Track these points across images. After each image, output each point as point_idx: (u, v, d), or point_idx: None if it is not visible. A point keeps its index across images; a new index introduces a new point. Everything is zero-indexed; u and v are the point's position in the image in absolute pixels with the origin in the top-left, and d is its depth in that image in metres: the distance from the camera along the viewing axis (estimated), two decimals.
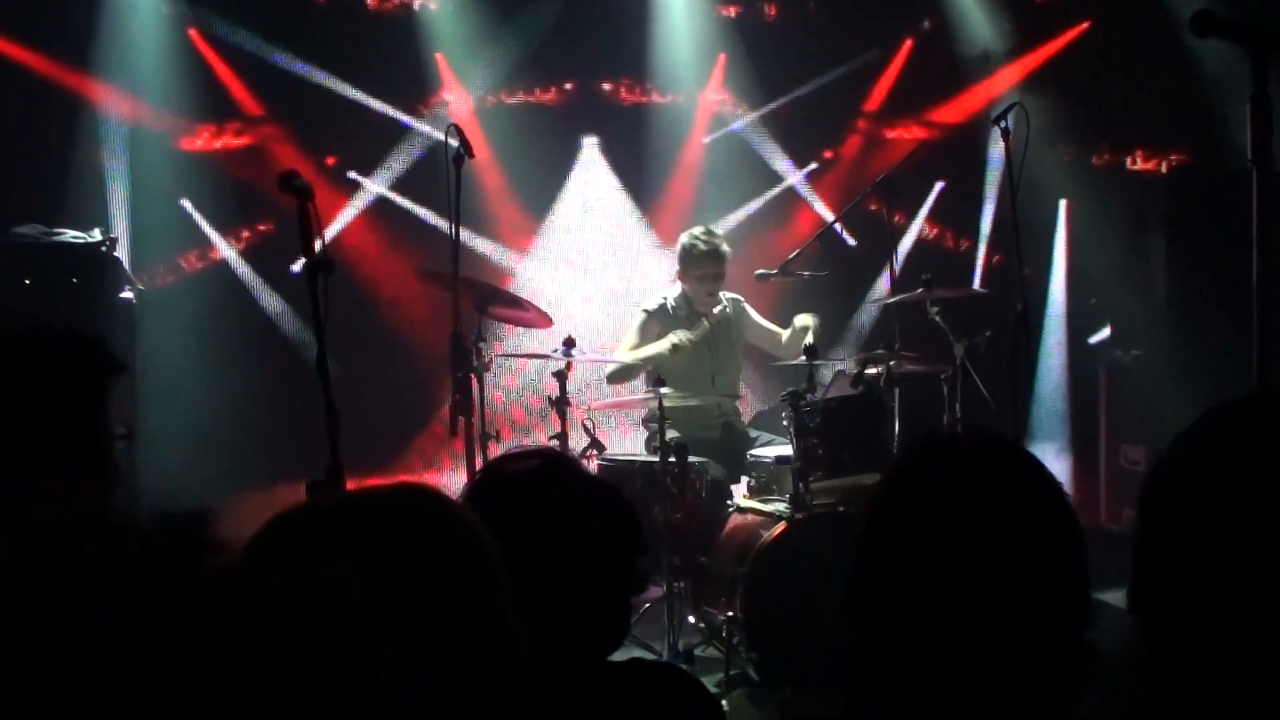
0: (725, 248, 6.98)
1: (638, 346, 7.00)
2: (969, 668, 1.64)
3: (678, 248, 7.07)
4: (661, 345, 6.79)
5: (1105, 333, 9.00)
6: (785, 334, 7.01)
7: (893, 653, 1.69)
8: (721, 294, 7.11)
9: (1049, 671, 1.67)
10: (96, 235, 7.26)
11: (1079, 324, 9.39)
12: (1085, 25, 9.42)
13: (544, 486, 2.27)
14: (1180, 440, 1.51)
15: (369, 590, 1.00)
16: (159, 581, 0.90)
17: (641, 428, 7.26)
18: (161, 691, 0.85)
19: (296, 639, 0.92)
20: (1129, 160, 9.60)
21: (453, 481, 7.76)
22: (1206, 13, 2.98)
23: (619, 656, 2.37)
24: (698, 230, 7.04)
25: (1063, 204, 9.48)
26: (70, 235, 7.20)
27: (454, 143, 5.73)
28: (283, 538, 1.42)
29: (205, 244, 8.59)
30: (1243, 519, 1.41)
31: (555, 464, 2.35)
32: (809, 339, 6.50)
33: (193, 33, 8.42)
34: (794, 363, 6.48)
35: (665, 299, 7.12)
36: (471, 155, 5.85)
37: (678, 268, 7.07)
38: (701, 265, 6.91)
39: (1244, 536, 1.40)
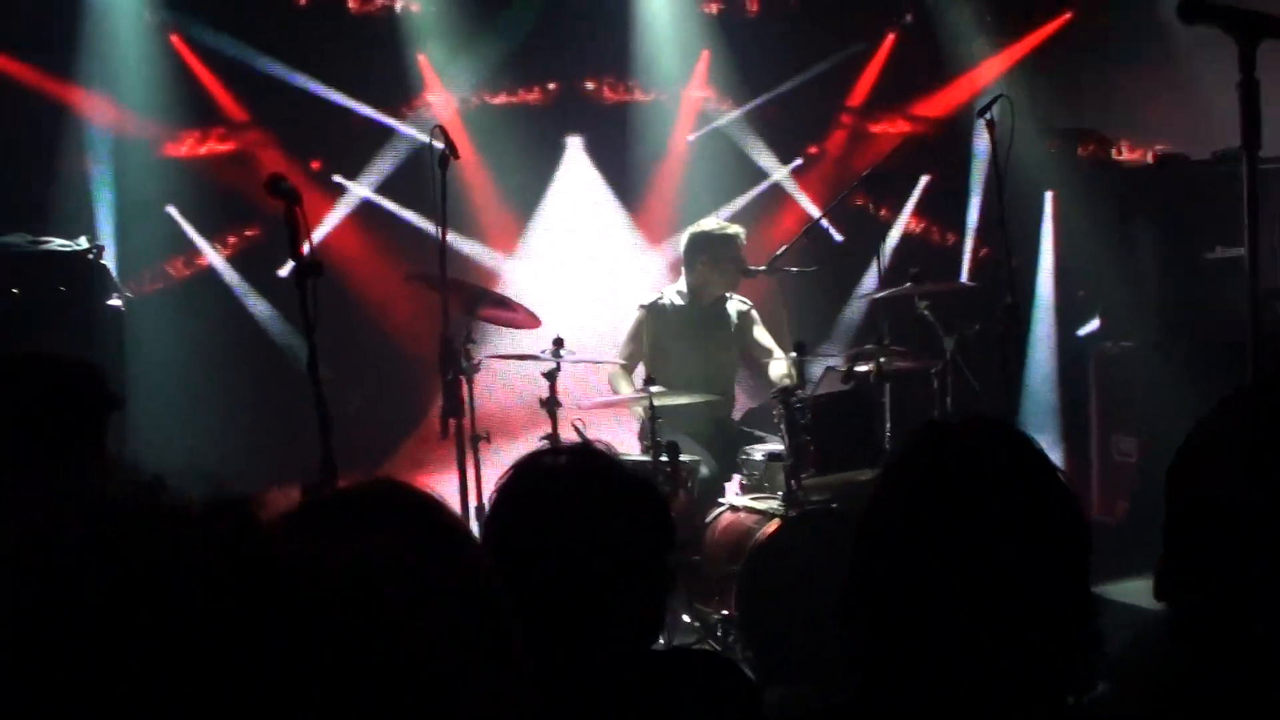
0: (743, 237, 7.02)
1: (631, 348, 7.03)
2: (975, 657, 1.63)
3: (688, 237, 7.07)
4: (632, 397, 6.70)
5: (1094, 324, 9.01)
6: (773, 364, 6.98)
7: (895, 646, 1.68)
8: (734, 295, 7.13)
9: (1058, 661, 1.66)
10: (83, 243, 7.22)
11: (1068, 316, 9.40)
12: (1067, 16, 9.44)
13: (578, 481, 2.27)
14: (1203, 426, 1.51)
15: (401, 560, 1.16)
16: (219, 559, 1.02)
17: (633, 426, 7.26)
18: (231, 659, 0.97)
19: (349, 603, 1.07)
20: (1114, 151, 9.62)
21: (443, 483, 7.74)
22: (1193, 0, 2.98)
23: None
24: (710, 219, 7.11)
25: (1049, 195, 9.49)
26: (57, 244, 7.16)
27: (439, 144, 5.73)
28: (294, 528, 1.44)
29: (192, 250, 8.57)
30: (1271, 502, 1.41)
31: (588, 458, 2.34)
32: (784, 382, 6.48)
33: (175, 39, 8.39)
34: (782, 359, 6.50)
35: (663, 294, 7.13)
36: (456, 156, 5.85)
37: (691, 258, 7.04)
38: (724, 248, 6.91)
39: (1273, 520, 1.40)
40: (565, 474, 2.28)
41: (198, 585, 0.98)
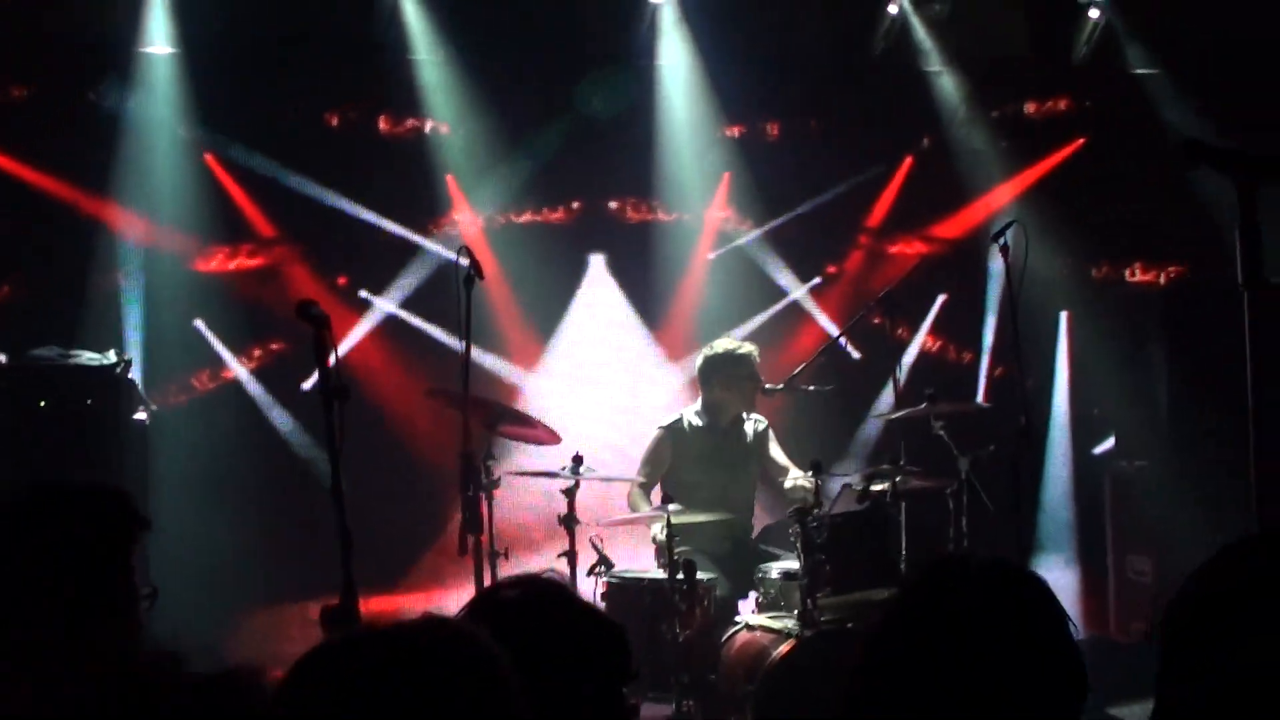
0: (757, 355, 7.09)
1: (650, 468, 7.04)
2: None
3: (702, 359, 7.16)
4: (649, 515, 6.71)
5: (1109, 443, 9.05)
6: (789, 483, 7.01)
7: None
8: (751, 415, 7.19)
9: None
10: (111, 357, 7.36)
11: (1083, 434, 9.46)
12: (1080, 141, 9.62)
13: (529, 615, 2.30)
14: (1199, 576, 1.55)
15: None
16: None
17: (650, 543, 7.28)
18: None
19: None
20: (1127, 273, 9.74)
21: (462, 600, 7.76)
22: (1196, 142, 3.06)
23: None
24: (724, 339, 7.18)
25: (1064, 316, 9.60)
26: (86, 357, 7.30)
27: (465, 263, 5.83)
28: (316, 677, 1.49)
29: (218, 364, 8.70)
30: (1263, 654, 1.45)
31: (542, 591, 2.37)
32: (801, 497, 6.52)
33: (209, 157, 8.60)
34: (801, 479, 6.55)
35: (682, 415, 7.18)
36: (482, 276, 5.94)
37: (707, 379, 7.12)
38: (737, 367, 6.99)
39: (1265, 670, 1.44)
40: (516, 606, 2.30)
41: None
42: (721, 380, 7.05)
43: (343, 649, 1.56)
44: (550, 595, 2.38)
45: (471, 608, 2.39)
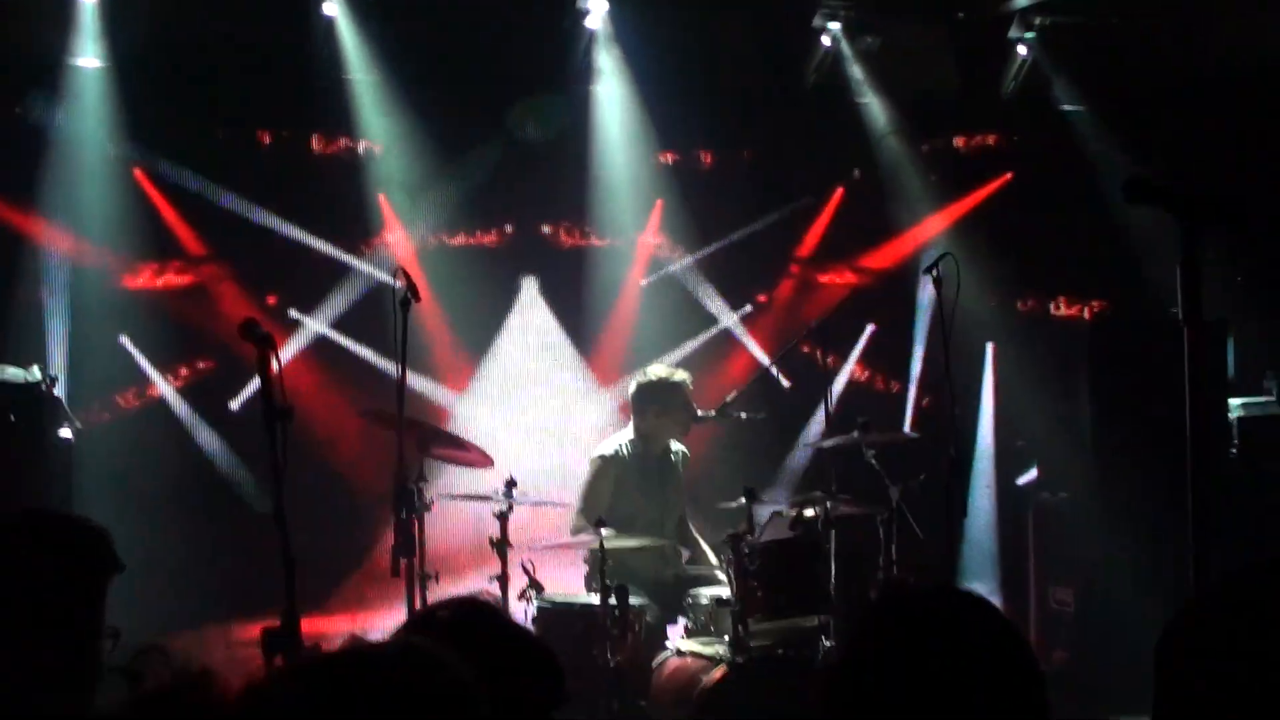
0: (690, 382, 7.12)
1: (593, 500, 6.98)
2: None
3: (635, 386, 7.15)
4: (581, 541, 6.69)
5: (1032, 474, 9.16)
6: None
7: None
8: (675, 443, 7.21)
9: None
10: (36, 374, 7.24)
11: (1007, 465, 9.57)
12: (1008, 176, 9.77)
13: (462, 636, 2.28)
14: (1196, 605, 1.57)
15: None
16: None
17: (581, 566, 7.26)
18: None
19: None
20: (1053, 306, 9.90)
21: (390, 622, 7.71)
22: (1138, 180, 3.10)
23: None
24: (657, 366, 7.20)
25: (990, 347, 9.72)
26: (10, 372, 7.18)
27: (401, 285, 5.81)
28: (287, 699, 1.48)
29: (143, 381, 8.59)
30: (1260, 684, 1.47)
31: (475, 613, 2.37)
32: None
33: (138, 172, 8.50)
34: (732, 505, 6.57)
35: (619, 445, 7.16)
36: (418, 299, 5.94)
37: (641, 406, 7.11)
38: (672, 395, 7.01)
39: (1261, 701, 1.46)
40: (449, 627, 2.29)
41: None
42: (656, 409, 7.06)
43: (315, 671, 1.55)
44: (483, 617, 2.37)
45: (406, 628, 2.38)
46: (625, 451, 7.12)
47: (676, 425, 7.09)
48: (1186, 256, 2.98)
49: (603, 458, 7.13)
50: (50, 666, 2.39)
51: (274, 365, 3.54)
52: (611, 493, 7.04)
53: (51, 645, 2.41)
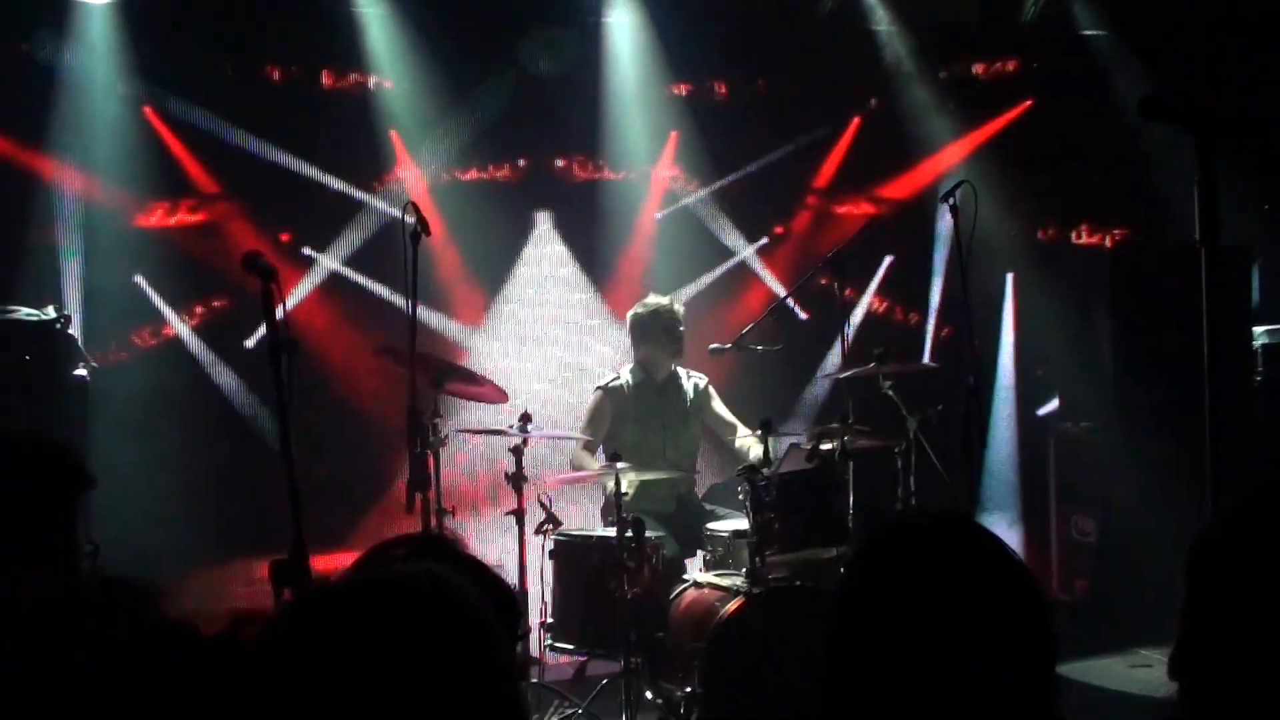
0: (675, 306, 7.12)
1: (592, 430, 7.05)
2: None
3: (629, 319, 7.23)
4: (598, 472, 6.69)
5: (1054, 404, 9.12)
6: (739, 441, 7.08)
7: None
8: (690, 373, 7.22)
9: None
10: (50, 313, 7.24)
11: (1028, 396, 9.51)
12: (1028, 103, 9.63)
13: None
14: (1229, 512, 1.55)
15: None
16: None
17: (597, 501, 7.28)
18: None
19: None
20: (1074, 235, 9.79)
21: None
22: (1154, 98, 3.05)
23: None
24: (649, 297, 7.21)
25: (1010, 277, 9.63)
26: (24, 313, 7.18)
27: (410, 220, 5.78)
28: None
29: (159, 320, 8.56)
30: None
31: (430, 549, 2.30)
32: (752, 458, 6.50)
33: (148, 111, 8.43)
34: (750, 437, 6.55)
35: (619, 376, 7.20)
36: (428, 233, 5.91)
37: (635, 338, 7.18)
38: (655, 320, 7.02)
39: None
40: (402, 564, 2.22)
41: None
42: (646, 336, 7.12)
43: (335, 596, 1.55)
44: (438, 552, 2.33)
45: (358, 566, 2.33)
46: (626, 383, 7.14)
47: (663, 351, 7.13)
48: (1203, 177, 2.92)
49: (600, 388, 7.20)
50: (25, 583, 2.37)
51: (278, 297, 3.49)
52: (611, 423, 7.08)
53: (25, 562, 2.39)
